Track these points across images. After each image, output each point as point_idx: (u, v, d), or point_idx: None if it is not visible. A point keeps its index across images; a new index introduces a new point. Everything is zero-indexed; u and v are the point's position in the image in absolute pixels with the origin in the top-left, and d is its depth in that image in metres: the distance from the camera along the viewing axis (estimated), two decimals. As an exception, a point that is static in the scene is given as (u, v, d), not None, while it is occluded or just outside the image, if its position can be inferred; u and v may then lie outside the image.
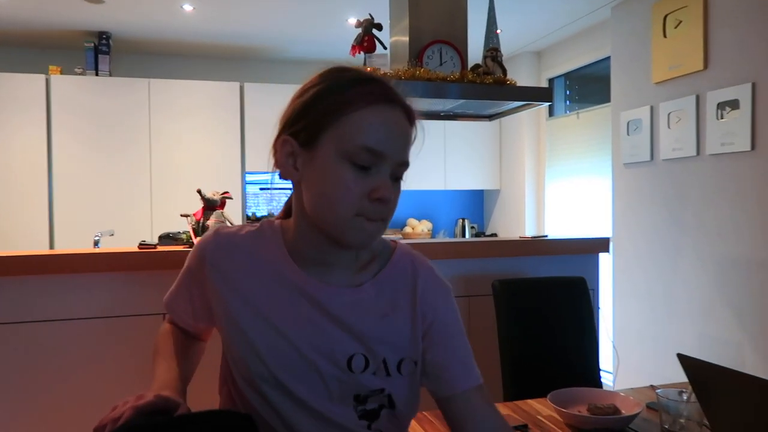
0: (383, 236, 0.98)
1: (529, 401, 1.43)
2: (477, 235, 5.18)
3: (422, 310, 0.91)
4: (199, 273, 0.93)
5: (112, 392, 1.63)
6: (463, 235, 5.10)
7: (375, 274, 0.91)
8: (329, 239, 0.86)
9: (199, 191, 2.06)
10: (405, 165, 0.85)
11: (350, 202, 0.81)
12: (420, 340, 0.91)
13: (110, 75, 4.08)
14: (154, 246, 1.90)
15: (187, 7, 3.55)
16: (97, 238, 2.56)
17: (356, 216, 0.81)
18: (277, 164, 0.87)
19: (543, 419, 1.30)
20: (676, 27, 3.05)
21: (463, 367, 0.93)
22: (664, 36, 3.13)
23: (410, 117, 0.86)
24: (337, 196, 0.81)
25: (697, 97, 2.93)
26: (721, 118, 2.78)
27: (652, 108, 3.23)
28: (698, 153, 2.93)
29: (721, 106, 2.79)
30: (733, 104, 2.73)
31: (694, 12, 2.93)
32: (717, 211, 2.82)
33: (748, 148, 2.64)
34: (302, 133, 0.84)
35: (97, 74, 4.03)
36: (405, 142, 0.85)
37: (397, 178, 0.85)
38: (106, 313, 1.80)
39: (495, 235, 5.11)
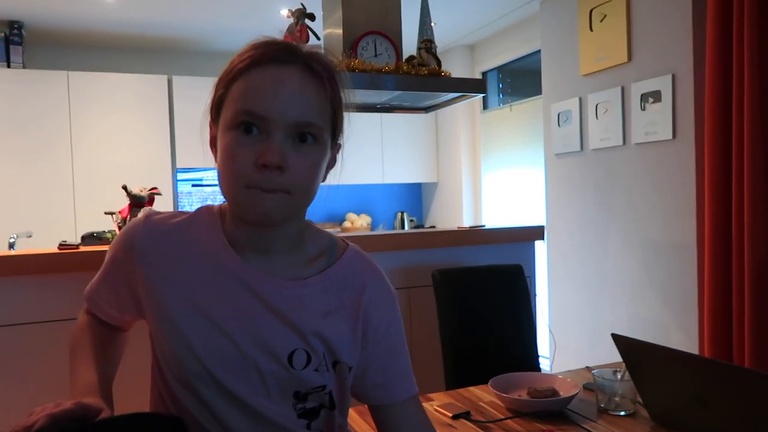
0: (331, 233, 0.95)
1: (471, 388, 1.44)
2: (416, 227, 5.21)
3: (366, 316, 0.88)
4: (126, 262, 0.85)
5: (33, 403, 1.52)
6: (403, 228, 5.11)
7: (322, 270, 0.87)
8: (242, 219, 0.82)
9: (124, 187, 1.95)
10: (308, 125, 0.77)
11: (237, 171, 0.75)
12: (359, 345, 0.87)
13: (24, 67, 3.82)
14: (76, 246, 1.79)
15: (108, -4, 3.36)
16: (12, 240, 2.38)
17: (247, 188, 0.75)
18: (209, 147, 0.84)
19: (485, 405, 1.31)
20: (601, 21, 3.16)
21: (403, 376, 0.92)
22: (591, 29, 3.23)
23: (315, 73, 0.78)
24: (226, 167, 0.77)
25: (623, 89, 3.04)
26: (644, 109, 2.90)
27: (580, 99, 3.34)
28: (624, 142, 3.05)
29: (644, 97, 2.91)
30: (656, 95, 2.85)
31: (617, 6, 3.04)
32: (643, 197, 2.95)
33: (670, 137, 2.77)
34: (213, 114, 0.81)
35: (8, 66, 3.76)
36: (300, 101, 0.76)
37: (304, 139, 0.78)
38: (23, 319, 1.67)
39: (434, 227, 5.16)
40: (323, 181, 0.84)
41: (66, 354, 0.91)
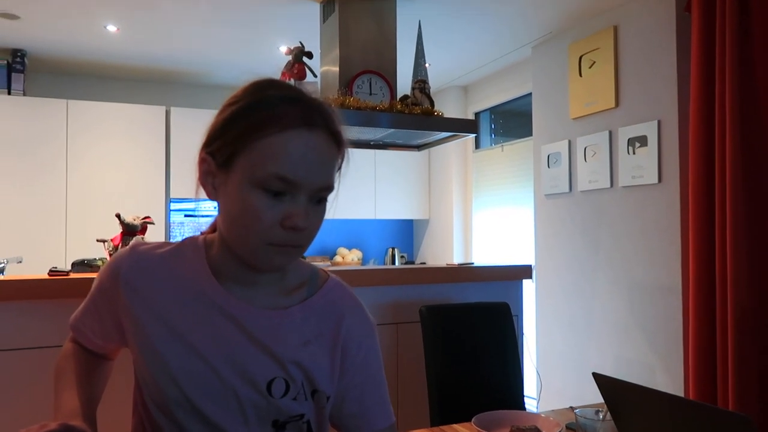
0: (314, 264, 0.98)
1: (454, 425, 1.44)
2: (407, 263, 5.22)
3: (344, 346, 0.90)
4: (111, 291, 0.88)
5: (21, 428, 1.50)
6: (393, 264, 5.13)
7: (303, 300, 0.89)
8: (247, 264, 0.84)
9: (118, 216, 1.97)
10: (327, 189, 0.82)
11: (261, 230, 0.78)
12: (337, 374, 0.89)
13: (24, 94, 3.87)
14: (67, 273, 1.80)
15: (111, 28, 3.44)
16: (2, 264, 2.38)
17: (268, 245, 0.79)
18: (199, 181, 0.84)
19: (468, 443, 1.31)
20: (590, 67, 3.26)
21: (381, 407, 0.93)
22: (580, 75, 3.33)
23: (336, 139, 0.82)
24: (248, 224, 0.78)
25: (610, 133, 3.12)
26: (634, 153, 2.98)
27: (570, 142, 3.42)
28: (612, 185, 3.11)
29: (631, 141, 2.99)
30: (642, 140, 2.93)
31: (605, 53, 3.14)
32: (630, 239, 3.00)
33: (656, 181, 2.84)
34: (218, 154, 0.80)
35: (9, 93, 3.81)
36: (324, 167, 0.80)
37: (320, 201, 0.82)
38: (12, 345, 1.67)
39: (424, 263, 5.17)
40: None
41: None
